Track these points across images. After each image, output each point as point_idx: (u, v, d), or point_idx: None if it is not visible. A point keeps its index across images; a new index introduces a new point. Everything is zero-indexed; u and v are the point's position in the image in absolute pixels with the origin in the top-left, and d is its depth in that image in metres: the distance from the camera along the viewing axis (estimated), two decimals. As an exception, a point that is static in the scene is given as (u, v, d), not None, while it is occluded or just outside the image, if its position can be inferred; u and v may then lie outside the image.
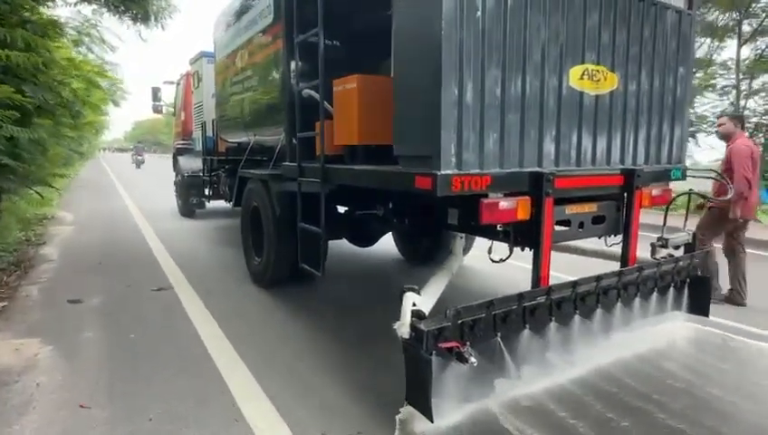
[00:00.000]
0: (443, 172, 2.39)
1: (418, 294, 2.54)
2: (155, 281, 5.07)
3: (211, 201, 8.96)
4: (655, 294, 3.43)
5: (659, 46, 3.28)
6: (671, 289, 3.54)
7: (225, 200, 7.79)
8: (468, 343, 2.40)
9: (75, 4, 7.28)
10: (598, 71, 2.96)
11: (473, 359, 2.34)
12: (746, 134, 4.97)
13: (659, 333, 3.50)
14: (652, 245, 3.53)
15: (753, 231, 5.07)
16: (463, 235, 4.25)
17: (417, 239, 5.60)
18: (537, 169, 2.76)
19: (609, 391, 2.82)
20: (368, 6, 3.95)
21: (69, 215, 9.67)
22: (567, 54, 2.81)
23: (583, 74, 2.90)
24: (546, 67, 2.73)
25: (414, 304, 2.45)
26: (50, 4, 6.48)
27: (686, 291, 3.64)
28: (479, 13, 2.44)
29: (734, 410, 2.68)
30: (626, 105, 3.16)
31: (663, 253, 3.50)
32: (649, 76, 3.27)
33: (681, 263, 3.46)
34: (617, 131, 3.16)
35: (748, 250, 4.67)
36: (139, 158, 30.08)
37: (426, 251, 5.50)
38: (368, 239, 5.08)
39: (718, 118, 5.06)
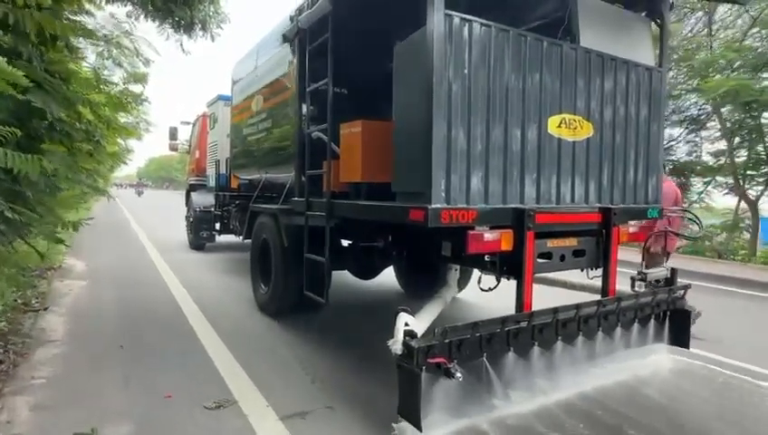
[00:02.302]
0: (433, 206, 2.72)
1: (411, 315, 2.81)
2: (204, 382, 3.39)
3: (220, 235, 9.35)
4: (636, 325, 3.67)
5: (632, 99, 3.67)
6: (652, 321, 3.78)
7: (235, 235, 8.14)
8: (455, 361, 2.66)
9: (108, 2, 5.97)
10: (574, 120, 3.33)
11: (458, 374, 2.60)
12: (669, 178, 5.31)
13: (641, 363, 3.71)
14: (632, 278, 3.79)
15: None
16: (458, 268, 4.54)
17: (416, 273, 5.87)
18: (519, 205, 3.09)
19: (594, 414, 3.02)
20: (373, 59, 4.41)
21: (79, 263, 7.88)
22: (545, 105, 3.20)
23: (561, 123, 3.27)
24: (526, 116, 3.11)
25: (407, 324, 2.73)
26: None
27: (666, 323, 3.88)
28: (466, 70, 2.83)
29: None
30: (602, 150, 3.51)
31: (642, 286, 3.76)
32: (623, 125, 3.64)
33: (659, 296, 3.71)
34: (594, 173, 3.50)
35: (734, 289, 4.91)
36: (140, 190, 46.64)
37: (424, 285, 5.75)
38: (369, 272, 5.38)
39: None
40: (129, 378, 3.43)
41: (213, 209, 9.28)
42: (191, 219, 10.10)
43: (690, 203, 11.94)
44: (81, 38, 5.11)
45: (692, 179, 12.42)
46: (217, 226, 9.30)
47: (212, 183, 9.32)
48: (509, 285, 3.33)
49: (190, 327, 4.69)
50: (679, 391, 3.46)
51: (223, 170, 8.38)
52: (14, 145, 3.54)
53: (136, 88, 5.89)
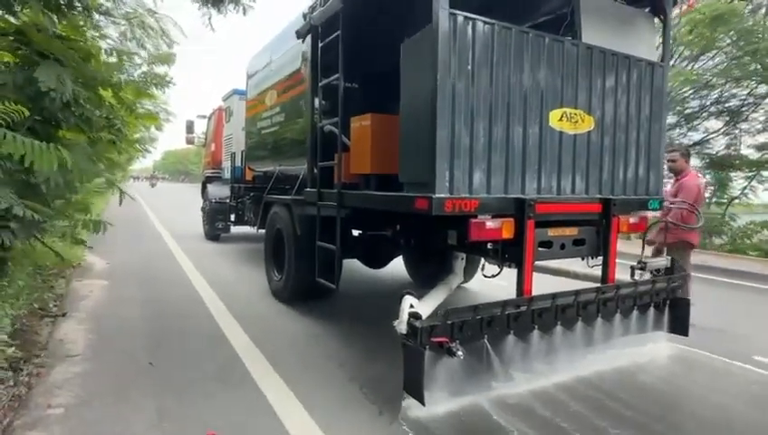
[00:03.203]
0: (437, 195, 2.89)
1: (416, 299, 2.99)
2: (253, 414, 2.89)
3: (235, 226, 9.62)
4: (635, 312, 3.80)
5: (633, 94, 3.77)
6: (651, 309, 3.90)
7: (250, 225, 8.39)
8: (457, 341, 2.84)
9: None
10: (575, 113, 3.46)
11: (460, 353, 2.78)
12: (694, 171, 5.25)
13: (640, 349, 3.84)
14: (632, 268, 3.91)
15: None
16: (464, 256, 4.69)
17: (424, 263, 6.04)
18: (520, 195, 3.23)
19: (591, 396, 3.17)
20: (384, 54, 4.55)
21: (99, 260, 7.35)
22: (547, 99, 3.33)
23: (562, 116, 3.40)
24: (528, 110, 3.25)
25: (411, 306, 2.91)
26: None
27: (666, 312, 4.00)
28: (469, 66, 2.98)
29: (699, 415, 3.03)
30: (602, 143, 3.63)
31: (641, 276, 3.88)
32: (625, 119, 3.75)
33: (658, 284, 3.83)
34: (595, 165, 3.62)
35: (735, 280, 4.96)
36: (154, 181, 50.38)
37: (432, 274, 5.92)
38: (379, 261, 5.57)
39: (669, 152, 4.94)
40: (163, 410, 2.86)
41: (228, 201, 9.56)
42: (207, 210, 10.38)
43: (731, 199, 11.66)
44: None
45: (732, 174, 11.97)
46: (232, 217, 9.58)
47: (227, 175, 9.57)
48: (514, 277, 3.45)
49: (222, 334, 4.24)
50: (676, 376, 3.59)
51: (238, 163, 8.62)
52: (26, 131, 3.13)
53: (160, 70, 5.69)
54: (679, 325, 3.98)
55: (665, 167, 4.62)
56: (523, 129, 3.24)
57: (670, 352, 4.00)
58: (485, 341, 3.01)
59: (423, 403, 2.73)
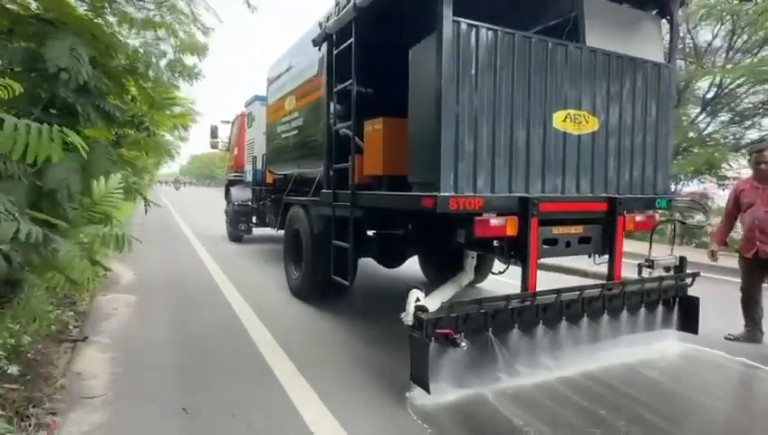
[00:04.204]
0: (442, 194, 3.03)
1: (422, 291, 3.14)
2: None
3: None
4: (642, 309, 3.86)
5: (639, 95, 3.85)
6: (660, 306, 3.95)
7: (271, 227, 8.65)
8: (462, 333, 2.97)
9: None
10: (579, 114, 3.56)
11: (463, 344, 2.92)
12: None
13: (647, 346, 3.89)
14: (639, 265, 3.97)
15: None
16: (474, 255, 4.81)
17: (438, 263, 6.17)
18: (525, 194, 3.35)
19: (596, 391, 3.23)
20: (396, 60, 4.72)
21: (126, 271, 6.77)
22: (550, 101, 3.44)
23: (566, 117, 3.50)
24: (532, 112, 3.37)
25: (418, 299, 3.06)
26: None
27: (675, 309, 4.04)
28: (473, 71, 3.12)
29: (704, 412, 3.06)
30: (607, 144, 3.72)
31: (650, 273, 3.94)
32: (630, 119, 3.83)
33: (666, 282, 3.88)
34: (600, 165, 3.71)
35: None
36: (178, 185, 55.42)
37: (446, 273, 6.04)
38: (393, 260, 5.73)
39: (758, 152, 4.24)
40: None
41: (250, 203, 9.86)
42: (230, 213, 10.72)
43: None
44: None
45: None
46: (254, 219, 9.88)
47: (249, 178, 9.88)
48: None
49: (267, 365, 3.58)
50: (684, 374, 3.60)
51: (259, 166, 8.91)
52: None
53: (189, 61, 5.11)
54: (689, 323, 4.01)
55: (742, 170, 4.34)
56: (526, 130, 3.36)
57: (680, 350, 4.03)
58: (490, 334, 3.14)
59: (428, 392, 2.88)
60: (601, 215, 3.72)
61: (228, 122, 12.48)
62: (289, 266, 5.91)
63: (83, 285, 3.75)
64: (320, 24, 4.84)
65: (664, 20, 4.16)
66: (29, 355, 3.39)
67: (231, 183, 11.29)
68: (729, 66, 11.46)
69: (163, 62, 4.69)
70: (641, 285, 3.76)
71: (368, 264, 5.95)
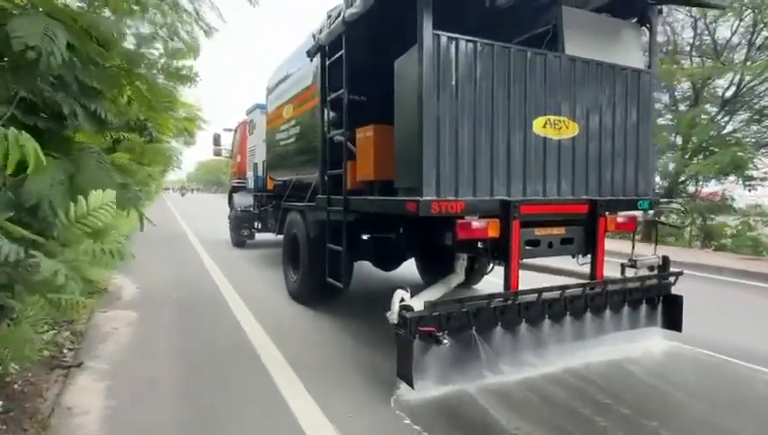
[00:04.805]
0: (424, 199, 3.18)
1: (407, 291, 3.28)
2: None
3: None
4: (626, 308, 3.97)
5: (619, 100, 3.99)
6: (644, 305, 4.07)
7: (273, 232, 8.83)
8: (445, 332, 3.11)
9: None
10: (559, 120, 3.70)
11: (446, 341, 3.06)
12: None
13: (631, 343, 4.00)
14: (622, 265, 4.10)
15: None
16: (465, 257, 4.95)
17: (434, 265, 6.30)
18: (506, 197, 3.49)
19: (580, 387, 3.34)
20: (385, 69, 4.89)
21: (128, 284, 6.44)
22: (531, 108, 3.59)
23: (546, 123, 3.65)
24: (512, 119, 3.52)
25: (403, 300, 3.21)
26: None
27: (659, 308, 4.15)
28: (453, 81, 3.28)
29: (685, 408, 3.13)
30: (588, 148, 3.85)
31: (635, 273, 4.06)
32: (611, 124, 3.97)
33: (648, 281, 4.00)
34: (581, 168, 3.85)
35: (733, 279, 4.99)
36: (184, 192, 60.23)
37: (442, 275, 6.18)
38: (389, 263, 5.88)
39: None
40: None
41: (252, 209, 10.07)
42: (233, 218, 10.92)
43: None
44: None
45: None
46: (257, 224, 10.08)
47: (251, 185, 10.08)
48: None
49: (285, 404, 3.08)
50: (667, 371, 3.69)
51: (260, 173, 9.11)
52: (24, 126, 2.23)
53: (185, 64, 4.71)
54: (673, 321, 4.12)
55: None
56: (507, 136, 3.51)
57: (665, 347, 4.14)
58: (473, 332, 3.28)
59: (413, 387, 3.02)
60: (583, 216, 3.85)
61: (231, 130, 12.71)
62: (288, 270, 6.07)
63: (71, 310, 3.07)
64: (313, 36, 5.02)
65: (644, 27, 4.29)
66: (16, 386, 3.05)
67: (234, 189, 11.51)
68: (749, 63, 11.20)
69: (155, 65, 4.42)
70: (623, 284, 3.88)
71: (367, 267, 6.12)
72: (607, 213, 3.91)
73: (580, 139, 3.82)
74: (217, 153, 13.04)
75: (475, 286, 6.13)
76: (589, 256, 3.99)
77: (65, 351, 3.87)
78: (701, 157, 11.77)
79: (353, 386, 3.37)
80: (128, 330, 4.53)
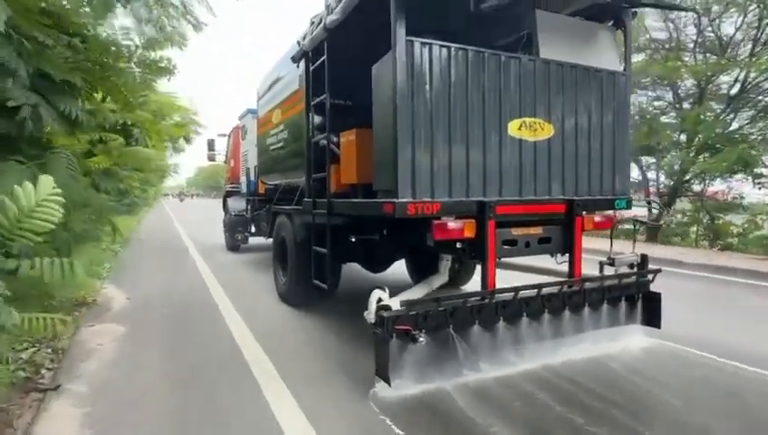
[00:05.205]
0: (400, 200, 3.26)
1: (384, 291, 3.35)
2: None
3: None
4: (605, 305, 4.04)
5: (595, 102, 4.06)
6: (623, 303, 4.13)
7: (265, 236, 8.91)
8: (422, 330, 3.18)
9: None
10: (535, 122, 3.78)
11: (422, 339, 3.13)
12: None
13: (610, 341, 4.06)
14: (600, 263, 4.17)
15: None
16: (449, 258, 5.02)
17: (423, 266, 6.37)
18: (482, 198, 3.56)
19: (558, 385, 3.38)
20: (366, 74, 4.98)
21: (119, 294, 6.11)
22: (505, 111, 3.66)
23: (521, 126, 3.73)
24: (487, 121, 3.59)
25: (380, 299, 3.28)
26: None
27: (639, 305, 4.22)
28: (427, 85, 3.36)
29: (664, 405, 3.15)
30: (564, 149, 3.93)
31: (611, 271, 4.13)
32: (587, 125, 4.04)
33: (626, 279, 4.07)
34: (557, 169, 3.92)
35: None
36: (182, 197, 62.46)
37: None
38: (377, 264, 5.95)
39: None
40: None
41: (245, 213, 10.16)
42: (227, 223, 11.00)
43: None
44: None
45: None
46: (251, 228, 10.17)
47: (244, 189, 10.17)
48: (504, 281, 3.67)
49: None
50: (645, 367, 3.73)
51: (252, 177, 9.20)
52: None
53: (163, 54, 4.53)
54: (652, 318, 4.19)
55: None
56: (482, 138, 3.58)
57: (644, 344, 4.20)
58: (451, 330, 3.34)
59: (390, 385, 3.09)
60: (560, 216, 3.92)
61: (225, 135, 12.81)
62: (277, 272, 6.15)
63: (45, 330, 2.88)
64: (298, 43, 5.10)
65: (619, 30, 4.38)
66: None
67: (228, 194, 11.60)
68: (755, 60, 11.07)
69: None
70: (601, 282, 3.95)
71: (357, 269, 6.19)
72: (584, 212, 3.99)
73: (555, 140, 3.89)
74: (211, 158, 13.16)
75: (463, 287, 6.20)
76: (563, 255, 4.06)
77: (43, 371, 3.55)
78: (707, 155, 11.66)
79: (337, 384, 3.44)
80: (113, 345, 4.26)
